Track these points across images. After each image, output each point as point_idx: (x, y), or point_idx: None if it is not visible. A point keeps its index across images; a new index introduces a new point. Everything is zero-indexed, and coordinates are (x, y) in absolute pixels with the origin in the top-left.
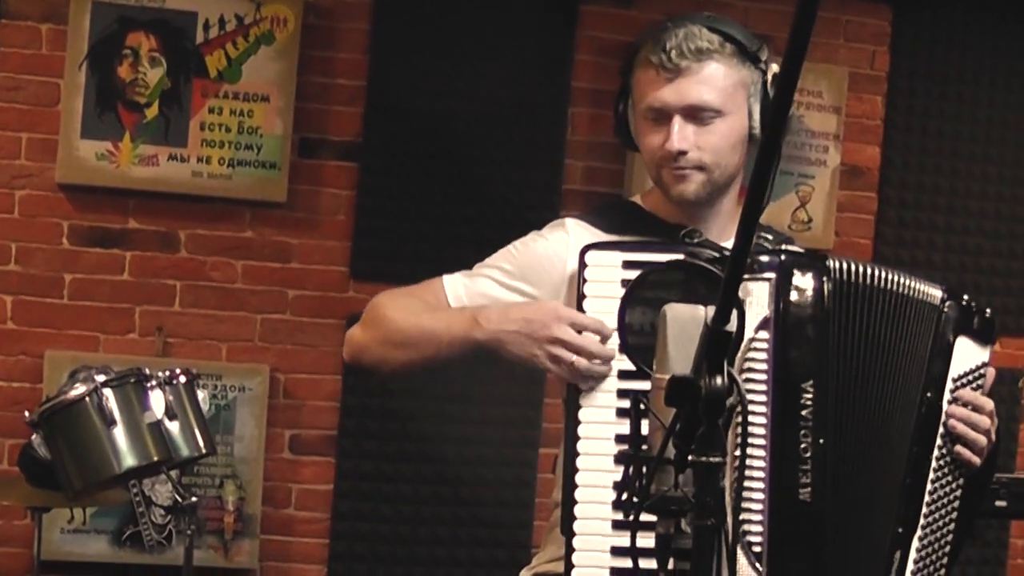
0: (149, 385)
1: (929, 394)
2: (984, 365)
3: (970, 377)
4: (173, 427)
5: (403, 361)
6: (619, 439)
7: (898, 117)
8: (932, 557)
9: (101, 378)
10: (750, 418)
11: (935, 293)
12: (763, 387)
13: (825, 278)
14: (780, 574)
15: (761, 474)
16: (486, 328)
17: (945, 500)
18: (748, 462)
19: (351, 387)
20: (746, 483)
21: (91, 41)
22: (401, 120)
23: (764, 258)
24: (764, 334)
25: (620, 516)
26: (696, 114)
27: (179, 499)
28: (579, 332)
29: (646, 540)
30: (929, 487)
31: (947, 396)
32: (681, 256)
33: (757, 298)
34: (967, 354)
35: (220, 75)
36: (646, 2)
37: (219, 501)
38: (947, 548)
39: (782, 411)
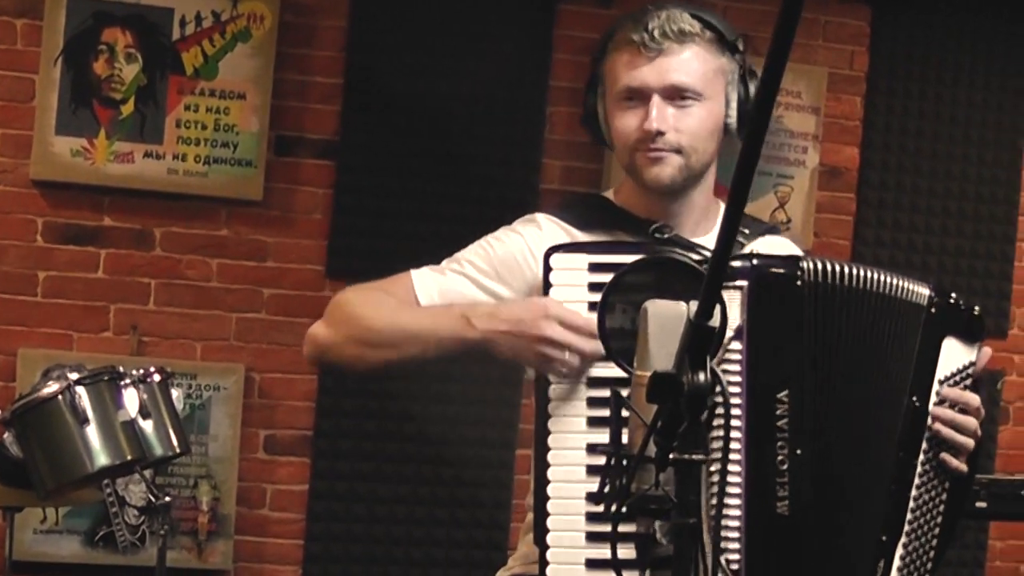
0: (123, 383)
1: (915, 397)
2: (971, 365)
3: (957, 378)
4: (147, 426)
5: (381, 361)
6: (591, 449)
7: (877, 118)
8: (916, 564)
9: (74, 376)
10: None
11: (922, 292)
12: (738, 400)
13: (799, 283)
14: None
15: (738, 489)
16: (478, 328)
17: (930, 505)
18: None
19: (327, 387)
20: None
21: (66, 36)
22: (378, 119)
23: (736, 264)
24: (737, 344)
25: (595, 527)
26: (675, 95)
27: (153, 499)
28: (570, 328)
29: (625, 550)
30: (914, 492)
31: (933, 399)
32: (645, 254)
33: (730, 306)
34: (954, 355)
35: (196, 72)
36: (625, 1)
37: (193, 501)
38: (931, 554)
39: (757, 422)
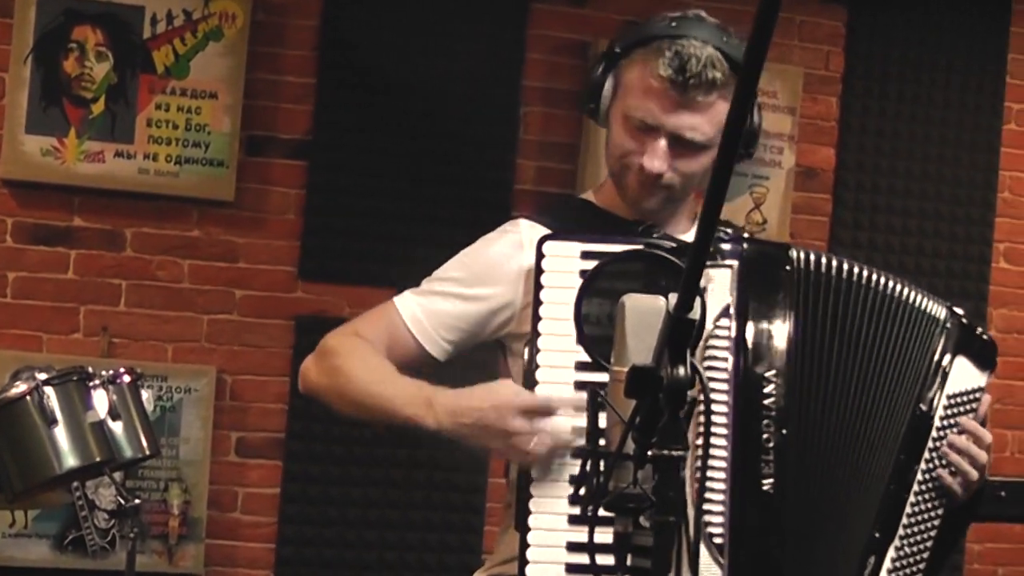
0: (92, 384)
1: (922, 405)
2: (980, 390)
3: (966, 398)
4: (116, 427)
5: (355, 417)
6: (575, 432)
7: (853, 118)
8: (908, 568)
9: (43, 376)
10: (713, 408)
11: (939, 307)
12: (725, 375)
13: (788, 267)
14: (742, 565)
15: (723, 464)
16: (438, 419)
17: (926, 516)
18: (711, 452)
19: (299, 389)
20: (709, 473)
21: (36, 34)
22: (351, 119)
23: (726, 246)
24: (725, 322)
25: (576, 511)
26: (684, 143)
27: (122, 502)
28: (533, 416)
29: (604, 536)
30: (912, 499)
31: (940, 412)
32: (640, 246)
33: (719, 285)
34: (965, 374)
35: (167, 71)
36: (599, 1)
37: (164, 504)
38: (924, 564)
39: (743, 400)
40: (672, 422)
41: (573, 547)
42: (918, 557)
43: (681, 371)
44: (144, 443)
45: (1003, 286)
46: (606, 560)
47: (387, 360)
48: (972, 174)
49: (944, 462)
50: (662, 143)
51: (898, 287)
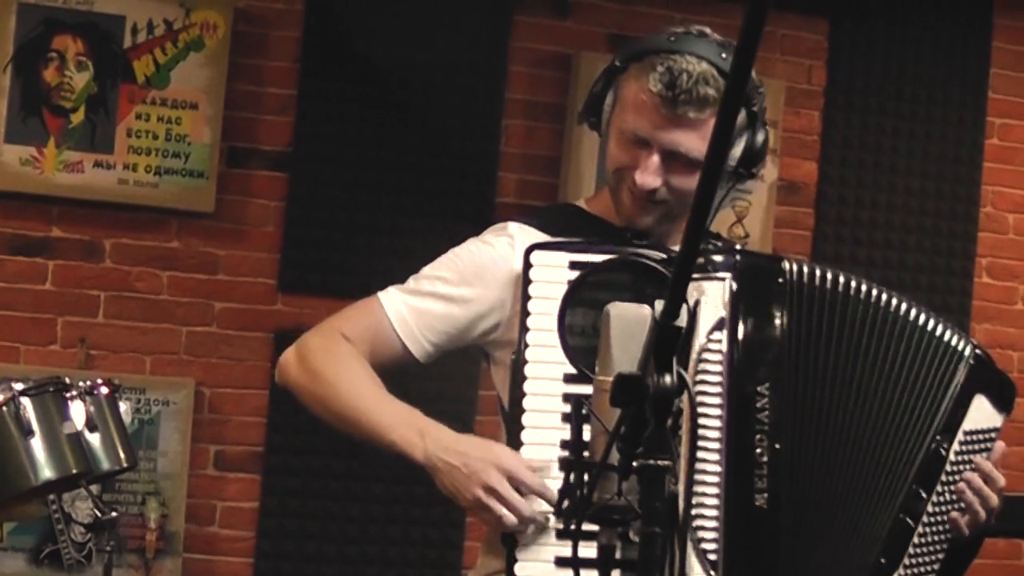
0: (69, 395)
1: (939, 438)
2: (996, 430)
3: (982, 437)
4: (94, 439)
5: (331, 424)
6: (564, 445)
7: (835, 132)
8: None
9: (19, 386)
10: (706, 422)
11: (963, 341)
12: (718, 389)
13: (782, 279)
14: None
15: (716, 479)
16: (427, 453)
17: (932, 549)
18: (704, 467)
19: (278, 402)
20: (702, 488)
21: (16, 43)
22: (332, 130)
23: (718, 258)
24: (719, 335)
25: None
26: (678, 159)
27: (99, 514)
28: (516, 487)
29: (591, 550)
30: (920, 529)
31: (956, 447)
32: (627, 255)
33: (712, 298)
34: (983, 413)
35: (148, 81)
36: (582, 13)
37: (141, 518)
38: None
39: (737, 414)
40: (658, 431)
41: (561, 562)
42: None
43: (667, 379)
44: (121, 455)
45: (986, 300)
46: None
47: (371, 369)
48: (955, 188)
49: (956, 498)
50: (655, 158)
51: (915, 312)
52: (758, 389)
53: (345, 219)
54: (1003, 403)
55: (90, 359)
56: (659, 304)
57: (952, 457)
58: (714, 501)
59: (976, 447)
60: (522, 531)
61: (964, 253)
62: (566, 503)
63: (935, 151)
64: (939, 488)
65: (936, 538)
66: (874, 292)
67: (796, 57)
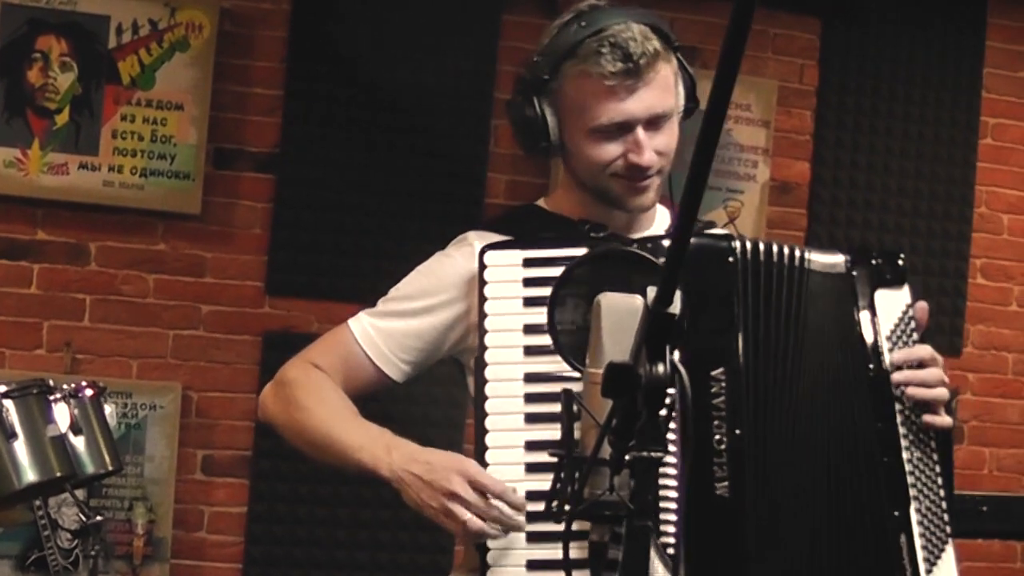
0: (53, 398)
1: (871, 365)
2: (909, 306)
3: (902, 327)
4: (78, 442)
5: (309, 456)
6: (529, 446)
7: (828, 132)
8: (934, 524)
9: (2, 389)
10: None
11: (837, 260)
12: None
13: (732, 258)
14: (697, 573)
15: (673, 471)
16: (392, 467)
17: (926, 461)
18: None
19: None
20: (660, 482)
21: (0, 44)
22: (320, 131)
23: (667, 241)
24: None
25: (535, 528)
26: (656, 121)
27: (84, 518)
28: (481, 493)
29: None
30: (906, 455)
31: (887, 359)
32: (584, 249)
33: None
34: (889, 305)
35: (133, 81)
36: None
37: (128, 524)
38: (943, 507)
39: (691, 402)
40: (651, 422)
41: (534, 566)
42: (938, 504)
43: (660, 368)
44: (107, 458)
45: (980, 302)
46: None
47: (346, 397)
48: (949, 189)
49: (913, 406)
50: (640, 134)
51: (803, 255)
52: (712, 374)
53: (333, 221)
54: (897, 278)
55: (76, 363)
56: (651, 293)
57: (892, 369)
58: (673, 494)
59: (904, 338)
60: (490, 536)
61: (958, 254)
62: (555, 501)
63: (928, 151)
64: (899, 406)
65: (925, 451)
66: (797, 254)
67: (788, 56)
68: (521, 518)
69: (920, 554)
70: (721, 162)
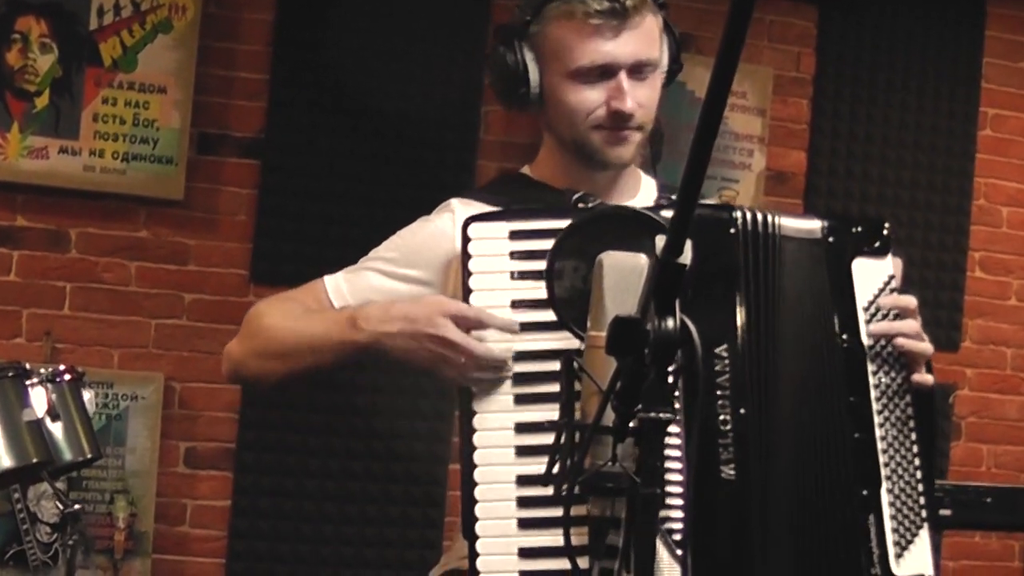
0: (30, 382)
1: (844, 335)
2: (891, 278)
3: (881, 297)
4: (56, 428)
5: (282, 373)
6: (520, 428)
7: (824, 121)
8: (908, 505)
9: None
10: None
11: (813, 226)
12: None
13: (733, 230)
14: (703, 560)
15: (677, 453)
16: (365, 329)
17: (901, 439)
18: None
19: (250, 398)
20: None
21: None
22: (306, 117)
23: (667, 212)
24: None
25: (526, 514)
26: (640, 70)
27: (61, 507)
28: (467, 327)
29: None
30: (880, 432)
31: (863, 329)
32: (570, 220)
33: None
34: (869, 275)
35: (115, 64)
36: None
37: (109, 517)
38: (920, 489)
39: (696, 381)
40: (658, 382)
41: (526, 553)
42: (913, 484)
43: (670, 323)
44: (85, 445)
45: (979, 296)
46: (560, 564)
47: (307, 306)
48: (947, 180)
49: (896, 360)
50: (623, 80)
51: (778, 221)
52: (715, 351)
53: (319, 208)
54: (881, 248)
55: (56, 352)
56: (660, 240)
57: (868, 341)
58: (677, 477)
59: (883, 311)
60: (489, 377)
61: (956, 247)
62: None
63: (926, 142)
64: (873, 380)
65: (900, 427)
66: (770, 220)
67: (784, 44)
68: (516, 341)
69: (890, 537)
70: (716, 151)
